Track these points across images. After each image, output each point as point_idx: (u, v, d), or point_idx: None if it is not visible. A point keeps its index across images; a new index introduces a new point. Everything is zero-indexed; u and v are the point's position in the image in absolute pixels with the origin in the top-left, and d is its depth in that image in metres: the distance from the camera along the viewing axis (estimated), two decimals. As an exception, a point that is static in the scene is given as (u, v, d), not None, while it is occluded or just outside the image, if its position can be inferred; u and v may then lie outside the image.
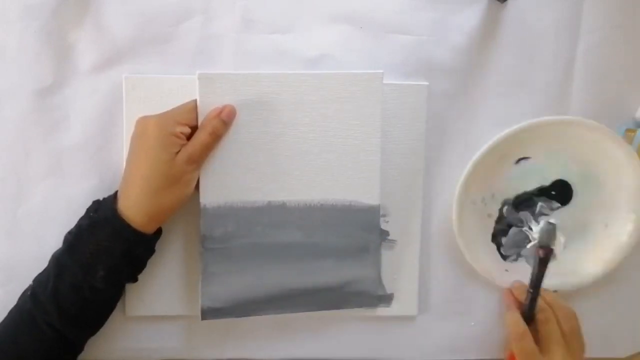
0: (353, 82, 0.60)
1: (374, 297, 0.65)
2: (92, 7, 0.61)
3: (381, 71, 0.61)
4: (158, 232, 0.59)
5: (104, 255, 0.54)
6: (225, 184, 0.60)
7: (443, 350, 0.69)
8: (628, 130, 0.67)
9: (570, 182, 0.68)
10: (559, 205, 0.68)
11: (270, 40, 0.63)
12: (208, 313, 0.62)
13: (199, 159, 0.57)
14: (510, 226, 0.68)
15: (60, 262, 0.56)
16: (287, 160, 0.61)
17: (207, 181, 0.59)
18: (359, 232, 0.63)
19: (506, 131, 0.65)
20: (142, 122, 0.56)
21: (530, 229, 0.68)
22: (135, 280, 0.60)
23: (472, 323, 0.69)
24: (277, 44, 0.63)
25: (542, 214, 0.68)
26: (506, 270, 0.68)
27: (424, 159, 0.65)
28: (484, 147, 0.65)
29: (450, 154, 0.67)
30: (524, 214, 0.68)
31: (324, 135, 0.61)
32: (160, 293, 0.63)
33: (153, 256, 0.62)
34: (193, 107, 0.58)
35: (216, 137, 0.57)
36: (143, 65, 0.62)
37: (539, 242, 0.65)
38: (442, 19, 0.65)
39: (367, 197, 0.63)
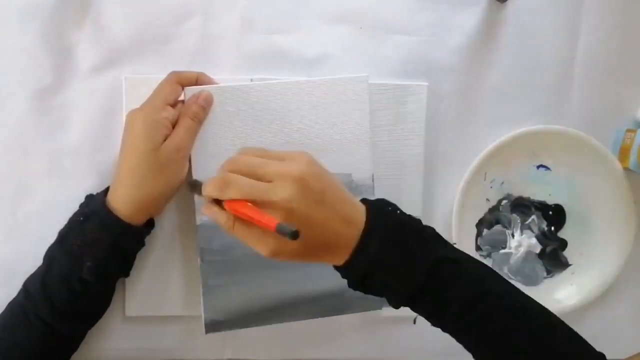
0: (339, 86, 0.61)
1: (376, 300, 0.65)
2: (92, 7, 0.61)
3: (366, 74, 0.62)
4: (149, 226, 0.59)
5: (91, 247, 0.55)
6: None
7: (443, 351, 0.68)
8: (628, 130, 0.67)
9: (567, 212, 0.69)
10: (548, 228, 0.69)
11: (270, 40, 0.63)
12: (211, 326, 0.62)
13: (186, 144, 0.57)
14: (497, 222, 0.68)
15: (50, 255, 0.56)
16: None
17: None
18: None
19: (537, 127, 0.66)
20: (130, 116, 0.57)
21: (512, 235, 0.68)
22: (126, 275, 0.60)
23: (472, 323, 0.69)
24: (277, 44, 0.64)
25: (529, 227, 0.68)
26: None
27: (424, 158, 0.65)
28: (513, 132, 0.66)
29: (450, 154, 0.66)
30: (515, 218, 0.68)
31: (315, 141, 0.61)
32: (160, 293, 0.63)
33: (153, 256, 0.62)
34: (173, 79, 0.58)
35: (198, 122, 0.58)
36: (143, 65, 0.62)
37: None
38: (442, 19, 0.65)
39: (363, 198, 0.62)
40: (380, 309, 0.65)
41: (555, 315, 0.51)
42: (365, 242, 0.49)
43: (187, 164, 0.58)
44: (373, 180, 0.63)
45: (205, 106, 0.58)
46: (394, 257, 0.49)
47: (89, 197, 0.58)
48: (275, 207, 0.47)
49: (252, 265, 0.62)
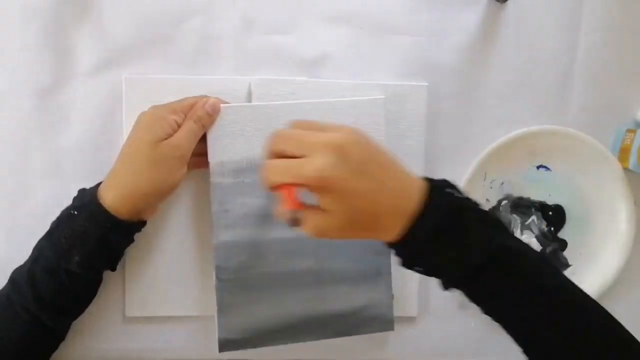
0: (355, 108, 0.61)
1: (389, 321, 0.65)
2: (92, 7, 0.61)
3: (382, 96, 0.62)
4: (140, 223, 0.59)
5: (78, 240, 0.55)
6: (237, 216, 0.60)
7: (443, 352, 0.69)
8: (628, 130, 0.67)
9: (567, 212, 0.69)
10: (548, 229, 0.69)
11: (270, 40, 0.64)
12: (225, 345, 0.62)
13: (185, 145, 0.57)
14: None
15: (39, 246, 0.56)
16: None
17: (220, 215, 0.60)
18: (371, 256, 0.63)
19: (537, 127, 0.66)
20: (141, 113, 0.58)
21: None
22: (113, 269, 0.59)
23: (472, 324, 0.69)
24: (277, 45, 0.64)
25: (529, 228, 0.68)
26: None
27: (424, 159, 0.65)
28: (513, 132, 0.66)
29: (450, 154, 0.67)
30: (515, 219, 0.68)
31: None
32: (160, 293, 0.63)
33: (152, 256, 0.62)
34: (193, 103, 0.58)
35: (201, 127, 0.58)
36: (143, 66, 0.62)
37: None
38: (442, 19, 0.65)
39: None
40: (392, 329, 0.65)
41: (612, 316, 0.49)
42: (420, 220, 0.45)
43: (184, 168, 0.58)
44: None
45: (211, 112, 0.58)
46: (451, 237, 0.46)
47: (82, 191, 0.58)
48: (310, 181, 0.44)
49: (266, 284, 0.61)
